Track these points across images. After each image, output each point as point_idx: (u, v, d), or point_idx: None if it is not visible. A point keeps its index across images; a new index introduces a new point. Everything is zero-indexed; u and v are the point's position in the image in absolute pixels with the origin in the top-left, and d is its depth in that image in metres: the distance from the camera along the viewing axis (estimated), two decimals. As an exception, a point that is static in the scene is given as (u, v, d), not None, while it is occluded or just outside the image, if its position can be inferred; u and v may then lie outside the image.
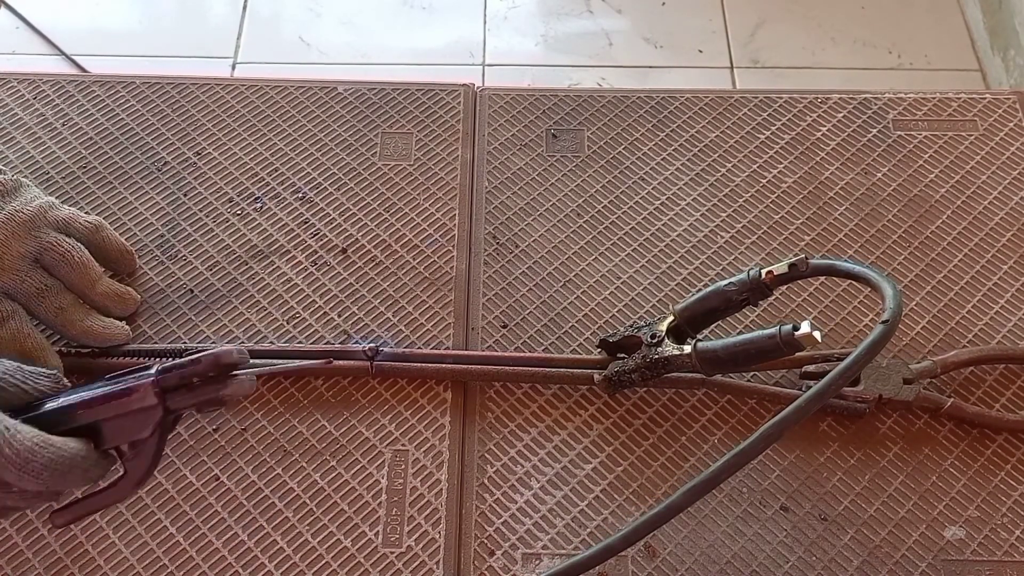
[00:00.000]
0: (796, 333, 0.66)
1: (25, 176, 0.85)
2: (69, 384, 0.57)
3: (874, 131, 0.92)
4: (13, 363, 0.56)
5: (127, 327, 0.78)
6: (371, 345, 0.78)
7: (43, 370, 0.57)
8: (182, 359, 0.55)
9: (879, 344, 0.63)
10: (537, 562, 0.70)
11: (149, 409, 0.55)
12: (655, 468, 0.75)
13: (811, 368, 0.76)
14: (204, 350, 0.55)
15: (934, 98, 0.94)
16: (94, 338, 0.77)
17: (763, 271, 0.70)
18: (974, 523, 0.72)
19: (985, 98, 0.94)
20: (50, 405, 0.56)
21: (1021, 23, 1.85)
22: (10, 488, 0.52)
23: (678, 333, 0.73)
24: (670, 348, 0.72)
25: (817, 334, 0.66)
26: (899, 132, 0.92)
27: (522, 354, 0.79)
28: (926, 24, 2.02)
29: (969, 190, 0.89)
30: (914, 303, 0.82)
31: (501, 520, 0.72)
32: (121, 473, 0.56)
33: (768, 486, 0.74)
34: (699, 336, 0.74)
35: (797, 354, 0.71)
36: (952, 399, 0.75)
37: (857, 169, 0.90)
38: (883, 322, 0.64)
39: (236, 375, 0.56)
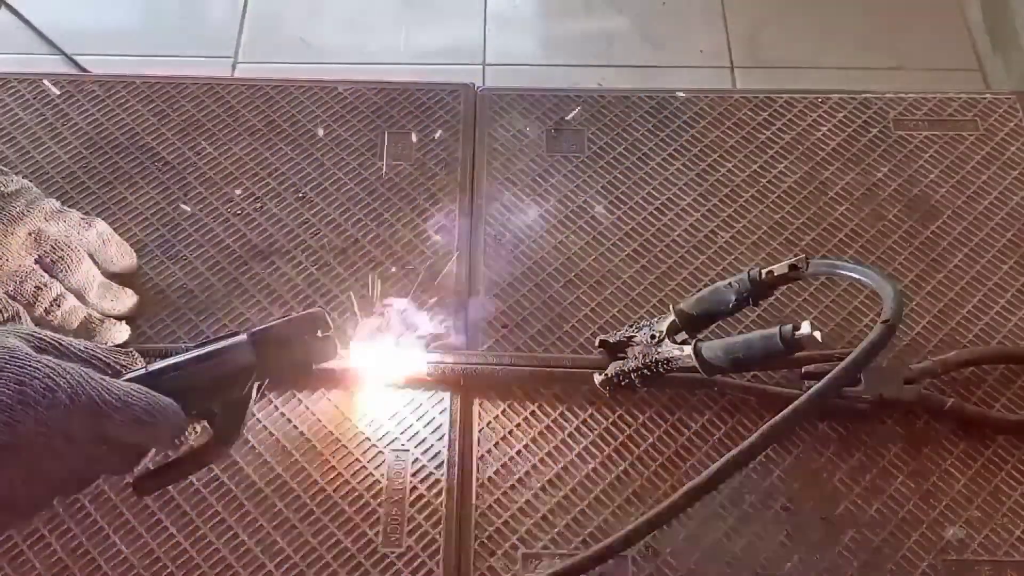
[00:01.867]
0: (796, 333, 0.66)
1: (25, 177, 0.85)
2: (142, 360, 0.58)
3: (874, 131, 0.92)
4: (90, 342, 0.56)
5: (127, 326, 0.78)
6: None
7: (119, 348, 0.57)
8: (272, 321, 0.58)
9: (880, 344, 0.63)
10: (537, 562, 0.70)
11: (245, 367, 0.57)
12: (655, 468, 0.74)
13: (812, 368, 0.76)
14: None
15: (934, 98, 0.94)
16: (95, 337, 0.77)
17: (763, 271, 0.70)
18: (974, 523, 0.72)
19: (985, 98, 0.94)
20: (146, 369, 0.57)
21: (1021, 23, 1.85)
22: (107, 437, 0.52)
23: (678, 333, 0.73)
24: (670, 348, 0.72)
25: (817, 334, 0.66)
26: (899, 132, 0.92)
27: (522, 354, 0.79)
28: (926, 24, 2.01)
29: (969, 190, 0.88)
30: (914, 303, 0.82)
31: (501, 520, 0.72)
32: (207, 437, 0.58)
33: (769, 486, 0.74)
34: (699, 336, 0.74)
35: (797, 354, 0.71)
36: (952, 399, 0.75)
37: (857, 169, 0.90)
38: (883, 322, 0.64)
39: (324, 336, 0.59)
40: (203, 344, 0.58)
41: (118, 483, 0.73)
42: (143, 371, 0.56)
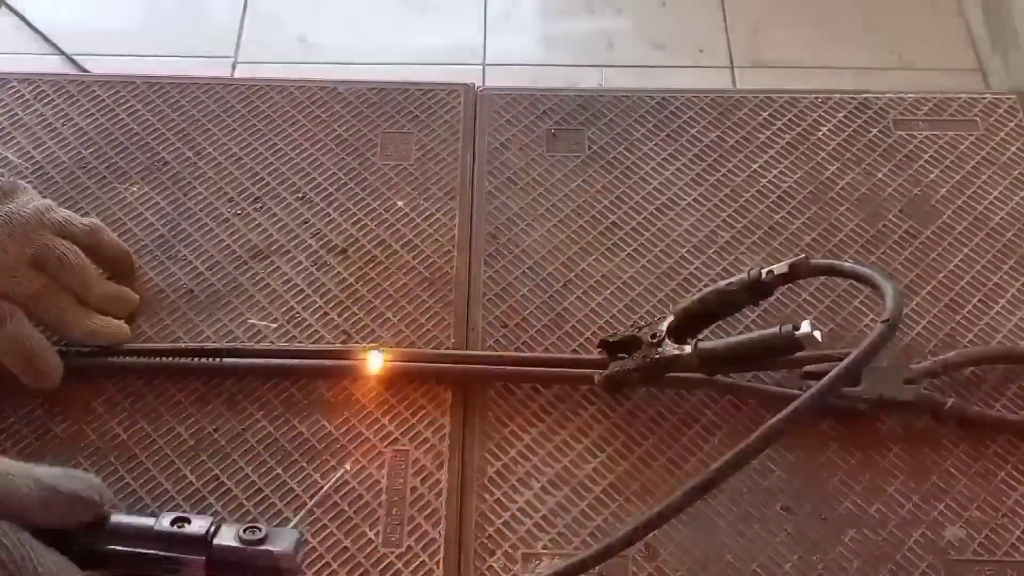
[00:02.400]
0: (797, 333, 0.66)
1: (23, 178, 0.85)
2: (110, 503, 0.56)
3: (875, 131, 0.92)
4: (49, 486, 0.55)
5: (127, 326, 0.78)
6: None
7: (82, 495, 0.56)
8: (238, 547, 0.56)
9: (880, 343, 0.63)
10: (537, 562, 0.70)
11: None
12: (655, 468, 0.74)
13: (812, 368, 0.76)
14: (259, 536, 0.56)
15: (935, 98, 0.94)
16: (95, 338, 0.76)
17: (764, 271, 0.70)
18: (975, 523, 0.72)
19: (985, 98, 0.94)
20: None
21: (1021, 23, 1.85)
22: None
23: (679, 333, 0.73)
24: (671, 348, 0.72)
25: (818, 334, 0.66)
26: (900, 132, 0.92)
27: (523, 354, 0.79)
28: (926, 24, 2.01)
29: (970, 190, 0.88)
30: (914, 303, 0.82)
31: (501, 520, 0.72)
32: None
33: (768, 486, 0.74)
34: (700, 336, 0.74)
35: (798, 354, 0.71)
36: (953, 399, 0.75)
37: (858, 169, 0.90)
38: (884, 321, 0.64)
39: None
40: (165, 532, 0.56)
41: (118, 483, 0.73)
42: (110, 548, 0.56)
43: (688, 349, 0.71)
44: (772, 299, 0.76)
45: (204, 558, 0.56)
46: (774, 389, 0.76)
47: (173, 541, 0.56)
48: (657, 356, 0.72)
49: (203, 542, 0.56)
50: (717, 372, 0.74)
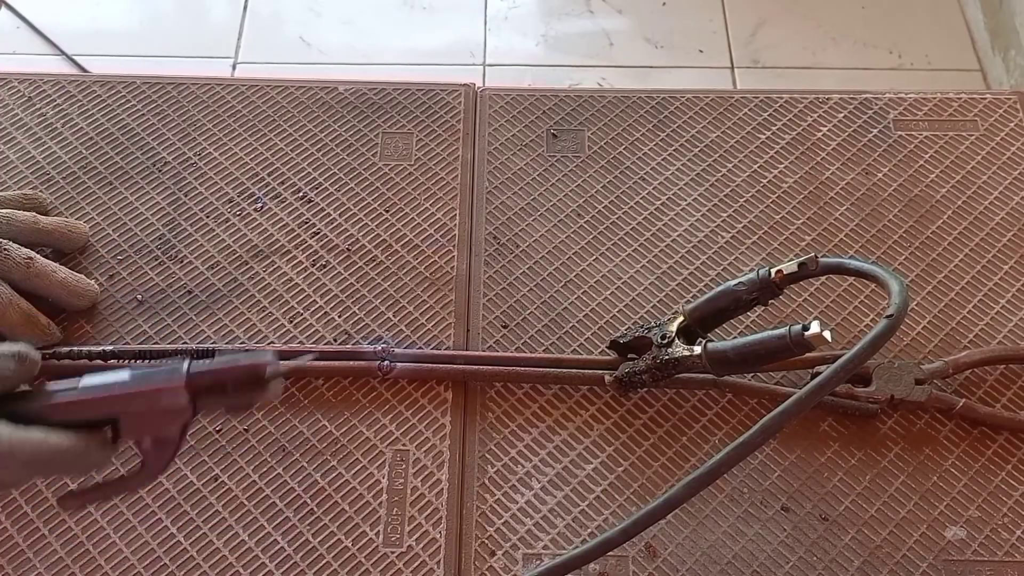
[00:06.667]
0: (806, 333, 0.66)
1: (24, 177, 0.85)
2: (37, 360, 0.55)
3: (875, 131, 0.92)
4: None
5: (95, 286, 0.81)
6: (383, 346, 0.78)
7: (7, 351, 0.54)
8: (215, 360, 0.54)
9: (883, 338, 0.63)
10: (538, 562, 0.70)
11: (179, 409, 0.54)
12: (656, 468, 0.75)
13: (822, 368, 0.76)
14: (235, 350, 0.54)
15: (935, 98, 0.94)
16: (67, 290, 0.78)
17: (772, 270, 0.70)
18: (975, 523, 0.72)
19: (986, 98, 0.94)
20: (74, 392, 0.54)
21: (1021, 23, 1.85)
22: None
23: (688, 333, 0.73)
24: (680, 349, 0.72)
25: (828, 334, 0.65)
26: (900, 132, 0.92)
27: (524, 354, 0.79)
28: (926, 24, 2.01)
29: (970, 190, 0.88)
30: (915, 303, 0.82)
31: (502, 520, 0.72)
32: (138, 463, 0.56)
33: (769, 486, 0.74)
34: (709, 337, 0.74)
35: (807, 354, 0.71)
36: (964, 400, 0.75)
37: (858, 169, 0.90)
38: (887, 316, 0.64)
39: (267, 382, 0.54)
40: (142, 360, 0.55)
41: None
42: (82, 390, 0.53)
43: (697, 350, 0.71)
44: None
45: (184, 384, 0.54)
46: (786, 390, 0.76)
47: (150, 372, 0.55)
48: (667, 357, 0.72)
49: (179, 370, 0.54)
50: (726, 373, 0.74)
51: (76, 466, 0.53)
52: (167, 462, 0.55)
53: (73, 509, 0.58)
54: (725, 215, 0.87)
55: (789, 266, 0.70)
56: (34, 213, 0.81)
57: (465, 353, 0.79)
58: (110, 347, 0.77)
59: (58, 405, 0.53)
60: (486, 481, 0.74)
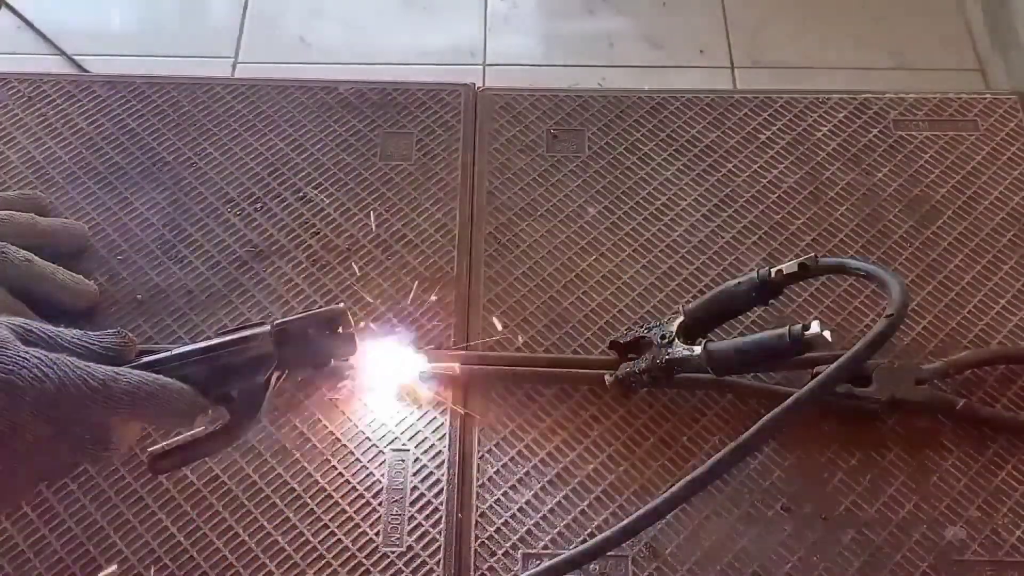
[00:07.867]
0: (806, 333, 0.66)
1: (25, 177, 0.85)
2: (134, 340, 0.59)
3: (875, 131, 0.92)
4: (77, 331, 0.57)
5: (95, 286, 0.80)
6: None
7: (112, 332, 0.58)
8: (297, 316, 0.61)
9: (883, 338, 0.63)
10: (538, 562, 0.70)
11: (265, 356, 0.59)
12: (655, 469, 0.74)
13: (822, 368, 0.76)
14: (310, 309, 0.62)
15: (935, 98, 0.94)
16: (67, 291, 0.78)
17: (772, 270, 0.70)
18: (975, 523, 0.72)
19: (986, 98, 0.94)
20: (166, 353, 0.59)
21: (1021, 23, 1.85)
22: (99, 424, 0.54)
23: (688, 333, 0.73)
24: (681, 349, 0.72)
25: (828, 334, 0.65)
26: (900, 132, 0.92)
27: (524, 354, 0.79)
28: (926, 24, 2.01)
29: (970, 190, 0.88)
30: (915, 303, 0.82)
31: (502, 520, 0.72)
32: (223, 421, 0.60)
33: (769, 487, 0.74)
34: (709, 337, 0.74)
35: (807, 354, 0.71)
36: (964, 400, 0.75)
37: (858, 169, 0.90)
38: (887, 316, 0.64)
39: (344, 333, 0.61)
40: (227, 332, 0.60)
41: (119, 483, 0.73)
42: (154, 358, 0.58)
43: (698, 350, 0.71)
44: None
45: (268, 328, 0.60)
46: (787, 390, 0.76)
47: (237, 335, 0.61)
48: (668, 357, 0.72)
49: (264, 324, 0.61)
50: (726, 373, 0.73)
51: (174, 407, 0.57)
52: (255, 415, 0.60)
53: (166, 471, 0.63)
54: (725, 215, 0.87)
55: (789, 266, 0.70)
56: (33, 214, 0.81)
57: (466, 353, 0.79)
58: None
59: (150, 365, 0.58)
60: (486, 481, 0.74)
